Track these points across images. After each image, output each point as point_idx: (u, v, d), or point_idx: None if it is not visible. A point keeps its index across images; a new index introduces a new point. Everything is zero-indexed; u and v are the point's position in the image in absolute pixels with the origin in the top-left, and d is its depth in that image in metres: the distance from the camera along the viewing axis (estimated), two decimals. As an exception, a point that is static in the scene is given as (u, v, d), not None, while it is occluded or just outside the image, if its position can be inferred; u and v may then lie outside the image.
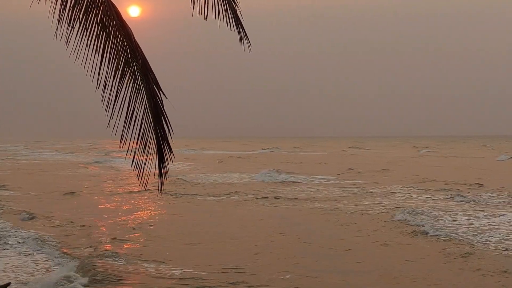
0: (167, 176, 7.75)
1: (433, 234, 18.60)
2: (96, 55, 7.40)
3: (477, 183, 35.45)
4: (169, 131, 7.62)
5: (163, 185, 7.71)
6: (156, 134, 7.58)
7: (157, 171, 7.73)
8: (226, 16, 7.95)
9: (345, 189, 34.48)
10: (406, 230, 19.53)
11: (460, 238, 18.04)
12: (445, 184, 35.78)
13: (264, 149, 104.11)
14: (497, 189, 31.62)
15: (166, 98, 7.58)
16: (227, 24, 7.95)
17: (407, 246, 17.45)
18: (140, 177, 7.61)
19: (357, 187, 35.24)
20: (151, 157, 7.66)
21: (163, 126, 7.60)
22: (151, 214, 24.66)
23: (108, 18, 7.44)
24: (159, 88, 7.59)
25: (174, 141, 7.69)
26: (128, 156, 7.56)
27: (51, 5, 7.44)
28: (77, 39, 7.38)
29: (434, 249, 16.61)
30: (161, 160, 7.64)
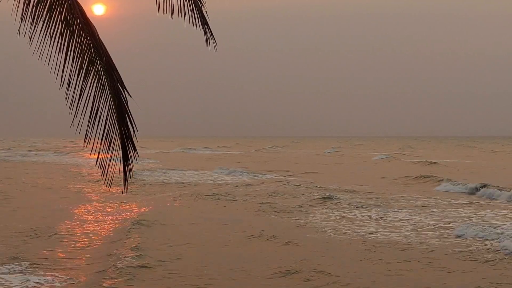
0: (131, 175, 7.70)
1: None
2: (60, 53, 7.34)
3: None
4: (133, 130, 7.58)
5: (127, 184, 7.67)
6: (121, 133, 7.53)
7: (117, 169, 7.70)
8: (192, 15, 7.93)
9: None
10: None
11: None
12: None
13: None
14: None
15: (131, 97, 7.54)
16: (192, 23, 7.94)
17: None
18: (105, 175, 7.56)
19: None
20: (116, 155, 7.62)
21: (128, 125, 7.56)
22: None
23: (72, 16, 7.38)
24: (124, 87, 7.54)
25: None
26: (92, 156, 7.51)
27: (14, 2, 7.36)
28: (40, 36, 7.31)
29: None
30: (126, 160, 7.59)
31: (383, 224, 20.13)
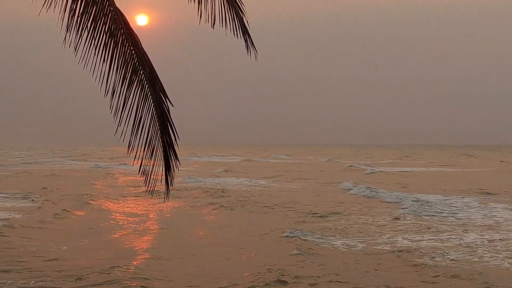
0: (173, 183, 7.82)
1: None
2: (104, 63, 7.48)
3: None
4: (175, 139, 7.70)
5: (169, 192, 7.79)
6: (163, 141, 7.65)
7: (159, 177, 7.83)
8: (232, 25, 8.01)
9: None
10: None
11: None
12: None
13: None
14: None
15: (173, 106, 7.66)
16: (233, 33, 8.02)
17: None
18: (147, 182, 7.70)
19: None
20: (158, 163, 7.75)
21: (170, 133, 7.67)
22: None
23: (116, 27, 7.51)
24: (166, 96, 7.66)
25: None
26: (135, 163, 7.65)
27: (59, 13, 7.51)
28: (85, 47, 7.45)
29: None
30: (168, 168, 7.71)
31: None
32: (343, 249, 16.32)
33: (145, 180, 7.74)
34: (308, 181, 45.52)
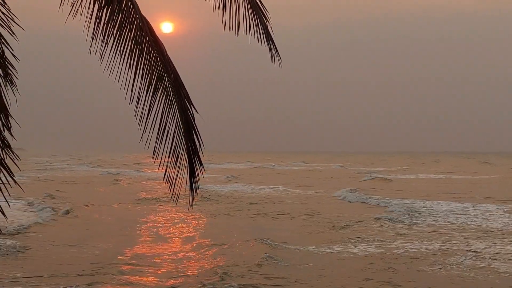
0: (197, 190, 7.84)
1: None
2: (130, 71, 7.50)
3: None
4: (200, 146, 7.71)
5: (194, 198, 7.81)
6: (188, 148, 7.66)
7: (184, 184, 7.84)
8: (257, 32, 8.02)
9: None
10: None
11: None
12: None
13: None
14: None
15: (198, 113, 7.68)
16: (258, 40, 8.03)
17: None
18: (172, 190, 7.71)
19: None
20: (182, 170, 7.76)
21: (194, 140, 7.69)
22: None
23: (142, 34, 7.53)
24: (191, 103, 7.68)
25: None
26: (160, 170, 7.67)
27: (85, 20, 7.55)
28: (111, 54, 7.48)
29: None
30: (192, 175, 7.72)
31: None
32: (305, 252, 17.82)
33: (170, 187, 7.75)
34: (304, 188, 47.03)
